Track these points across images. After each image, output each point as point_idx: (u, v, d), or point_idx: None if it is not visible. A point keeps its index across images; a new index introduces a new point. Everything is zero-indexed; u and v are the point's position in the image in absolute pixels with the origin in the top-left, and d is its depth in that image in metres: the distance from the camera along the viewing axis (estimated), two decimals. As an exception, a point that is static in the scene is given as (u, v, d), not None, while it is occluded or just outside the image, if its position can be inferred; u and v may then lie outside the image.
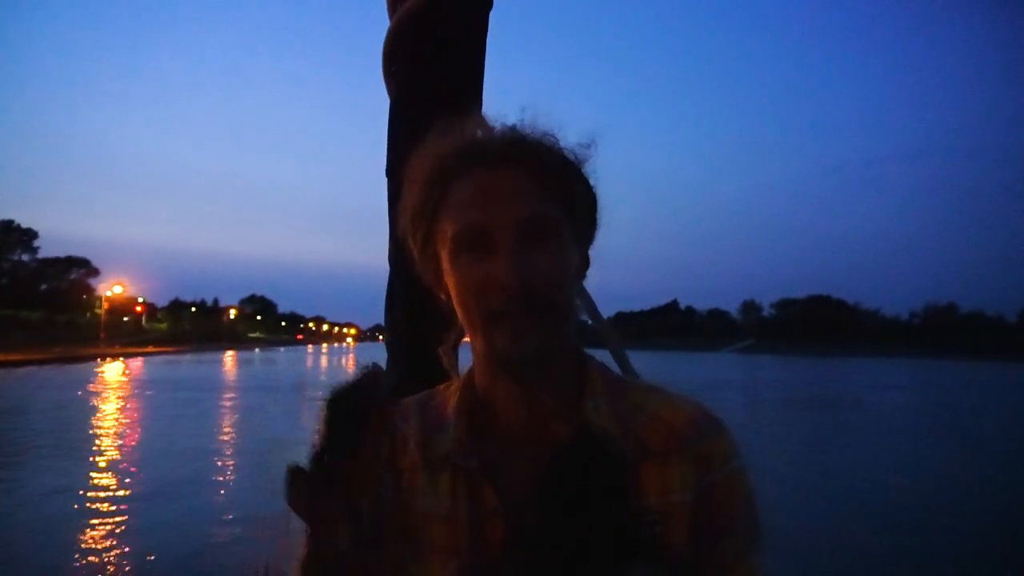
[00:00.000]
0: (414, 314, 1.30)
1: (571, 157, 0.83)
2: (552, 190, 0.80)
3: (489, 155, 0.80)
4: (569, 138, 0.84)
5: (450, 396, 0.90)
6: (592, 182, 0.85)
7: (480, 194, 0.79)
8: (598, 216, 0.87)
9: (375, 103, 1.54)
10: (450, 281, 0.82)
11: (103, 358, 50.07)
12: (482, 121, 0.84)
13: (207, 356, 62.44)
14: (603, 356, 0.93)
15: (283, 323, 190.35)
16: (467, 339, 0.86)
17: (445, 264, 0.82)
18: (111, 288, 77.97)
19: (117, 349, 60.07)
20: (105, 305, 71.64)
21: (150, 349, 65.89)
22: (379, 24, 1.48)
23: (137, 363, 47.15)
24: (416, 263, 0.87)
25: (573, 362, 0.86)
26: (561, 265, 0.79)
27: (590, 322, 1.31)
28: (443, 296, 0.86)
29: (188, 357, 59.19)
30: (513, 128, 0.83)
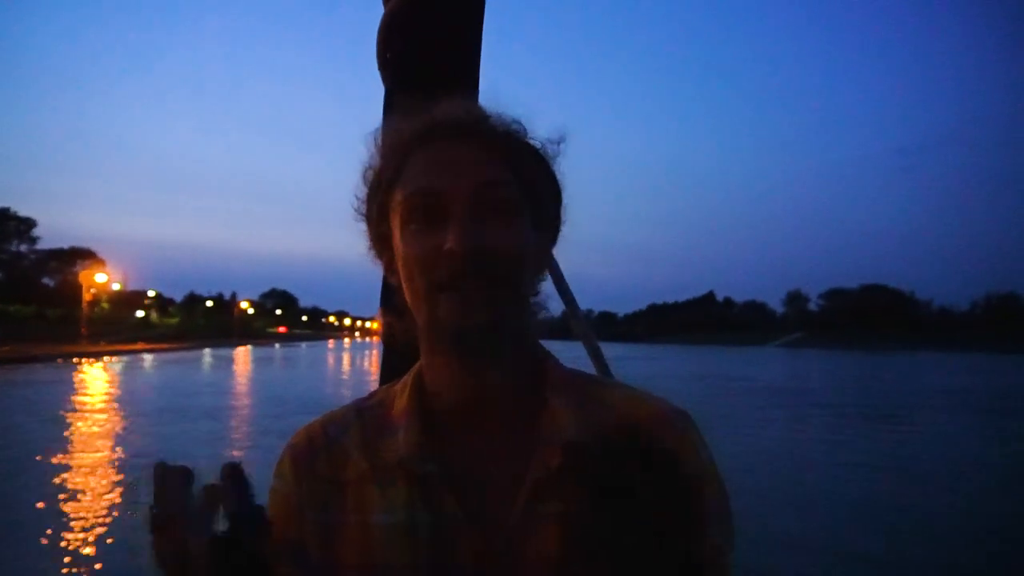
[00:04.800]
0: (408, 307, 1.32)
1: (535, 144, 0.81)
2: (511, 167, 0.77)
3: (448, 128, 0.78)
4: (539, 132, 0.82)
5: (394, 397, 0.84)
6: (558, 175, 0.83)
7: (435, 163, 0.76)
8: (562, 210, 0.84)
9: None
10: (398, 256, 0.78)
11: (72, 358, 43.14)
12: (450, 101, 0.80)
13: (209, 354, 55.61)
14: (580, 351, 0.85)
15: (304, 318, 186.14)
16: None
17: (395, 239, 0.78)
18: (93, 278, 71.64)
19: (102, 347, 53.60)
20: (87, 296, 65.14)
21: (139, 346, 59.33)
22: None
23: (117, 363, 40.08)
24: (371, 246, 0.83)
25: (529, 353, 0.82)
26: (516, 240, 0.76)
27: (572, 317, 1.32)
28: (396, 282, 0.81)
29: (187, 355, 52.42)
30: (480, 107, 0.81)
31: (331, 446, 0.81)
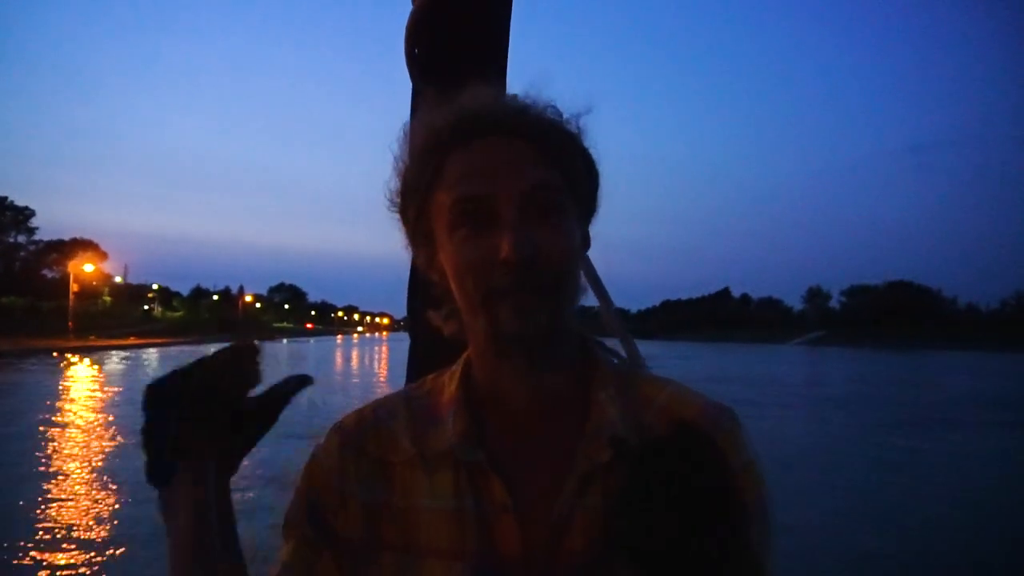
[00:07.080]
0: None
1: (573, 129, 0.80)
2: (557, 163, 0.76)
3: (492, 125, 0.76)
4: (566, 107, 0.80)
5: (442, 386, 0.86)
6: (594, 155, 0.81)
7: (483, 164, 0.74)
8: (599, 193, 0.83)
9: (407, 89, 1.47)
10: (446, 258, 0.78)
11: (39, 354, 40.12)
12: (481, 91, 0.79)
13: (208, 351, 52.31)
14: (611, 344, 0.91)
15: (313, 312, 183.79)
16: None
17: (441, 240, 0.78)
18: (81, 268, 68.75)
19: (89, 341, 50.85)
20: (74, 287, 62.19)
21: (131, 341, 56.54)
22: (406, 8, 1.48)
23: (87, 360, 36.79)
24: (407, 242, 0.83)
25: (577, 349, 0.83)
26: (567, 242, 0.76)
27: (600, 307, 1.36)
28: (435, 277, 0.82)
29: (181, 351, 49.19)
30: (516, 98, 0.79)
31: (380, 428, 0.83)
